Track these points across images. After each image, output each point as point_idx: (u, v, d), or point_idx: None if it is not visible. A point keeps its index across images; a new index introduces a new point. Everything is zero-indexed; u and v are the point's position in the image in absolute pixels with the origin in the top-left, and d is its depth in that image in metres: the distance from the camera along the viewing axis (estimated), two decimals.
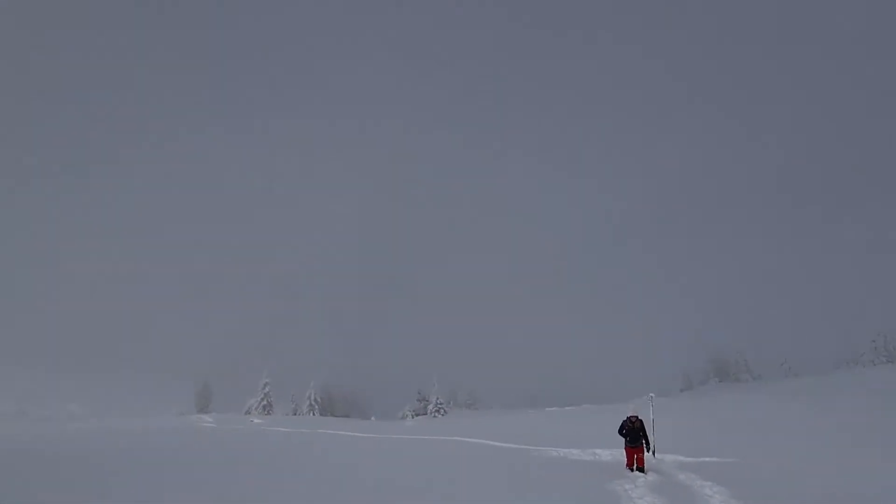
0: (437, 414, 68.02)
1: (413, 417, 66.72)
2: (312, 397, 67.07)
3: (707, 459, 15.76)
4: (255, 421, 42.73)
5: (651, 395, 18.17)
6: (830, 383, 54.19)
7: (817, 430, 23.51)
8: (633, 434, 13.88)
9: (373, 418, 60.31)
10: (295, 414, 64.85)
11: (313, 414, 64.81)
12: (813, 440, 20.67)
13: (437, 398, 69.92)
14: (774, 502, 9.84)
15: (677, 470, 14.04)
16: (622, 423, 14.12)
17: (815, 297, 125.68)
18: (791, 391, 51.40)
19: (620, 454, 15.02)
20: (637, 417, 13.98)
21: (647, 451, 14.19)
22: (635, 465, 13.83)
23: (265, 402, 64.37)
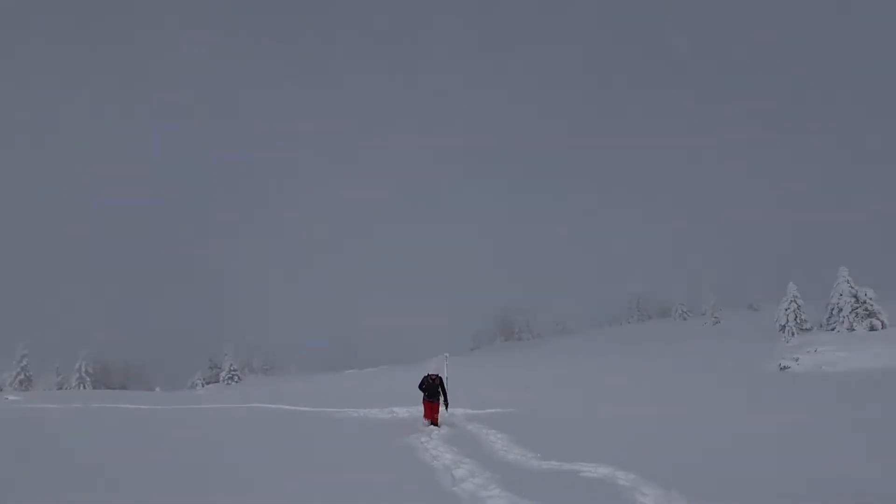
0: (230, 381, 65.49)
1: (204, 386, 63.47)
2: (83, 369, 60.36)
3: (491, 410, 17.53)
4: (10, 398, 37.39)
5: (446, 354, 19.56)
6: (595, 338, 62.61)
7: (582, 378, 27.22)
8: (432, 390, 14.94)
9: (157, 389, 56.12)
10: (61, 388, 57.88)
11: (84, 387, 58.43)
12: (577, 388, 23.95)
13: (231, 365, 67.24)
14: (542, 440, 11.41)
15: (467, 421, 15.46)
16: (422, 380, 15.09)
17: (587, 264, 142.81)
18: (563, 347, 58.28)
19: (417, 411, 16.04)
20: (437, 376, 15.07)
21: (446, 407, 15.36)
22: (430, 421, 14.88)
23: (22, 377, 56.52)
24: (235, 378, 66.27)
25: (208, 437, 14.43)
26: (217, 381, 67.00)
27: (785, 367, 27.96)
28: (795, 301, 35.45)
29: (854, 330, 32.08)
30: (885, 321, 31.80)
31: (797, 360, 28.62)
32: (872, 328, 31.69)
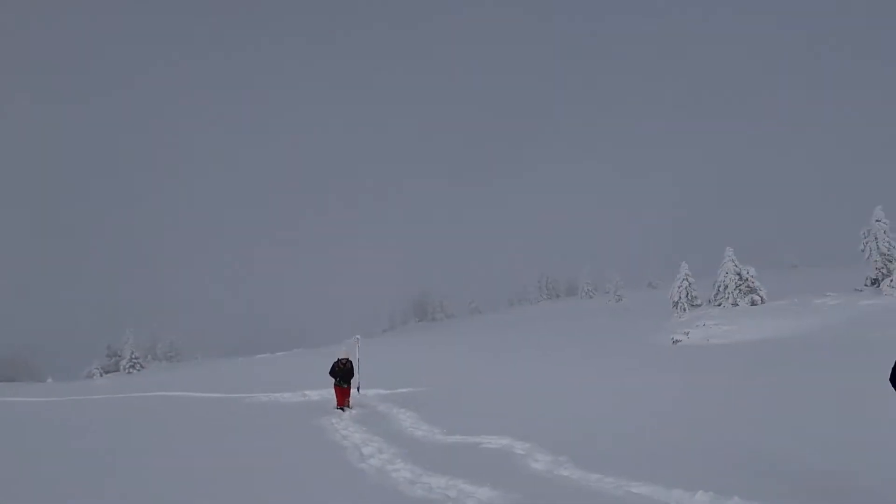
0: (132, 369, 62.69)
1: (102, 375, 60.41)
2: None
3: (402, 390, 18.07)
4: None
5: (357, 336, 19.82)
6: (505, 316, 64.64)
7: (491, 355, 28.28)
8: (343, 374, 15.14)
9: (49, 380, 52.95)
10: None
11: None
12: (486, 364, 24.92)
13: (133, 352, 64.26)
14: (448, 417, 12.05)
15: (378, 402, 15.90)
16: (333, 365, 15.25)
17: (500, 250, 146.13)
18: (474, 326, 59.75)
19: (329, 394, 16.27)
20: (347, 360, 15.30)
21: (357, 390, 15.65)
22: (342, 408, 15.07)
23: None
24: (137, 366, 63.49)
25: (112, 426, 14.10)
26: (117, 370, 63.93)
27: (677, 341, 30.23)
28: (687, 279, 38.18)
29: (738, 305, 35.02)
30: (764, 297, 34.91)
31: (688, 333, 30.99)
32: (753, 303, 34.71)
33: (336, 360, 15.35)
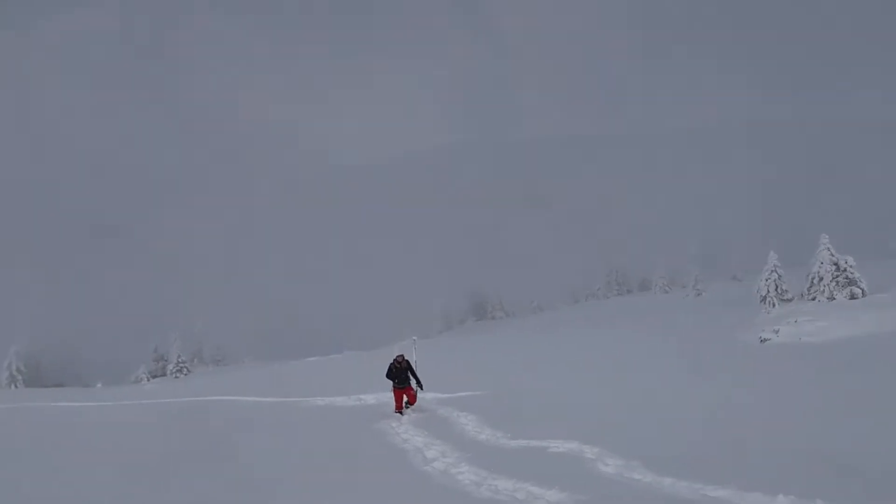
0: (178, 374, 65.59)
1: (149, 380, 63.48)
2: (13, 367, 59.92)
3: (463, 394, 18.56)
4: None
5: (414, 337, 20.46)
6: (570, 314, 64.39)
7: (556, 356, 28.49)
8: (400, 375, 15.61)
9: (99, 385, 56.06)
10: None
11: (15, 386, 58.05)
12: (551, 366, 25.17)
13: (179, 356, 67.17)
14: (512, 421, 12.47)
15: (437, 405, 16.44)
16: (389, 367, 15.74)
17: (563, 240, 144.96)
18: (537, 325, 59.78)
19: (386, 397, 16.85)
20: (403, 357, 15.74)
21: (419, 388, 16.02)
22: (406, 404, 15.55)
23: None
24: (184, 370, 66.33)
25: (170, 430, 15.14)
26: (164, 375, 66.98)
27: (765, 339, 29.69)
28: (776, 271, 37.26)
29: (834, 299, 34.01)
30: (865, 289, 33.79)
31: (777, 331, 30.37)
32: (852, 296, 33.65)
33: (392, 360, 15.76)
